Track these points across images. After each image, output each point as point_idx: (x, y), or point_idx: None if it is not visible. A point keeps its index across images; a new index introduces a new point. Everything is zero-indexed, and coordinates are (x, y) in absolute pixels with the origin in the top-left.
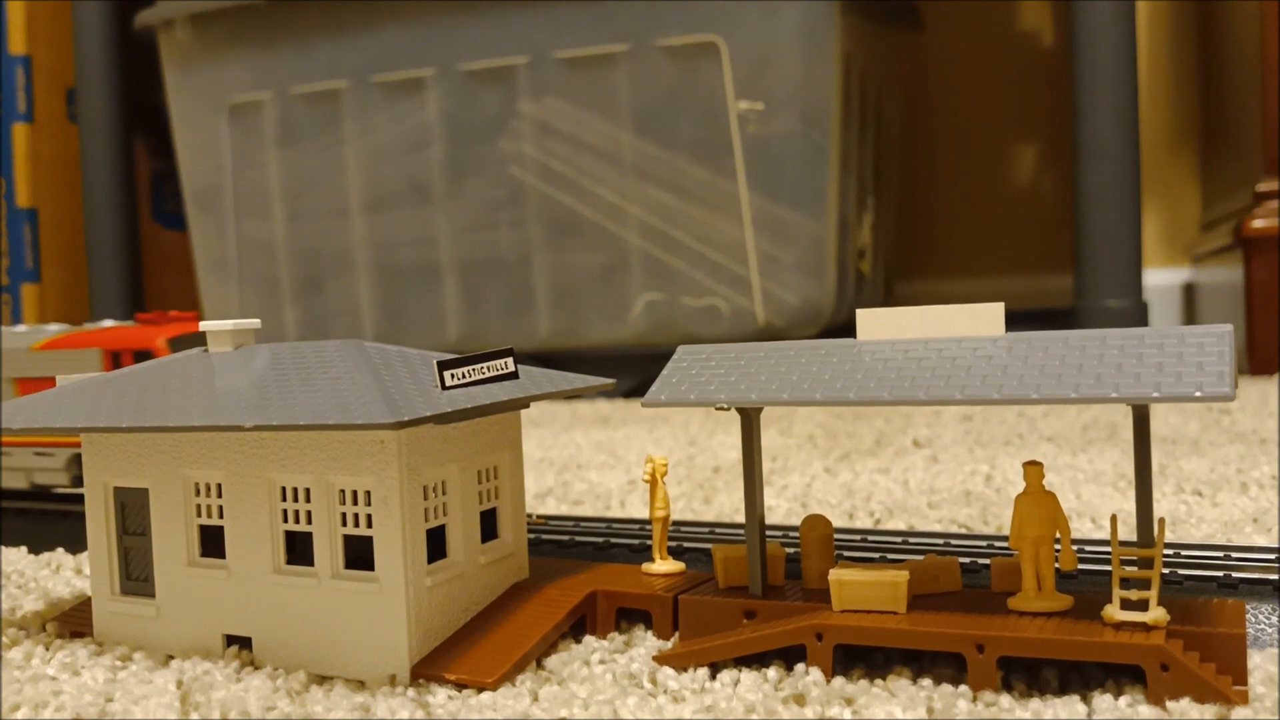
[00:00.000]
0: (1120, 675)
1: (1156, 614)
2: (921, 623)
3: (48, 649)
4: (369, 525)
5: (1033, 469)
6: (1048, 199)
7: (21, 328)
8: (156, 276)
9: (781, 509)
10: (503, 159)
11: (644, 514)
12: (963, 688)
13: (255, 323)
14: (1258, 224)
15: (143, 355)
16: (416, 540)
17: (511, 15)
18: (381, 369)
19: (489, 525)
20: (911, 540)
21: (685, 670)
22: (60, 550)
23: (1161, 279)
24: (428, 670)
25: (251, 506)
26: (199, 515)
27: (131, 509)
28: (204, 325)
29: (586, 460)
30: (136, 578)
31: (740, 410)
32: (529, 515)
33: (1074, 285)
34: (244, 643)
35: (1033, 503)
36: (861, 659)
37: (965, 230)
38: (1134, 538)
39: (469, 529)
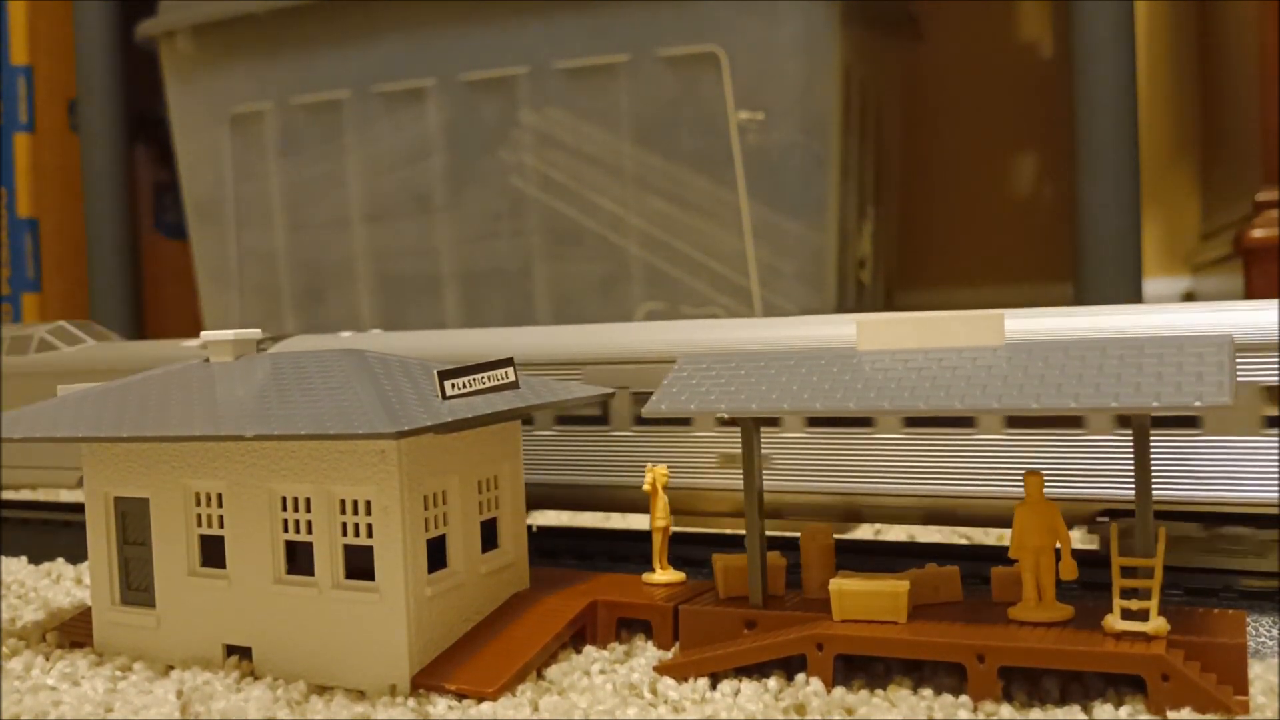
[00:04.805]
0: (1121, 685)
1: (1157, 624)
2: (922, 632)
3: (48, 659)
4: (369, 535)
5: (1033, 479)
6: (1047, 208)
7: None
8: (158, 286)
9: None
10: (503, 169)
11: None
12: (963, 698)
13: (256, 332)
14: (1257, 233)
15: None
16: (417, 550)
17: (512, 26)
18: (382, 378)
19: (489, 535)
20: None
21: (686, 680)
22: (60, 560)
23: (1161, 288)
24: (428, 680)
25: (252, 516)
26: (199, 525)
27: (132, 519)
28: (205, 335)
29: None
30: (137, 588)
31: (740, 419)
32: None
33: (1074, 294)
34: (244, 653)
35: (1033, 513)
36: (862, 669)
37: (965, 239)
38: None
39: (469, 539)
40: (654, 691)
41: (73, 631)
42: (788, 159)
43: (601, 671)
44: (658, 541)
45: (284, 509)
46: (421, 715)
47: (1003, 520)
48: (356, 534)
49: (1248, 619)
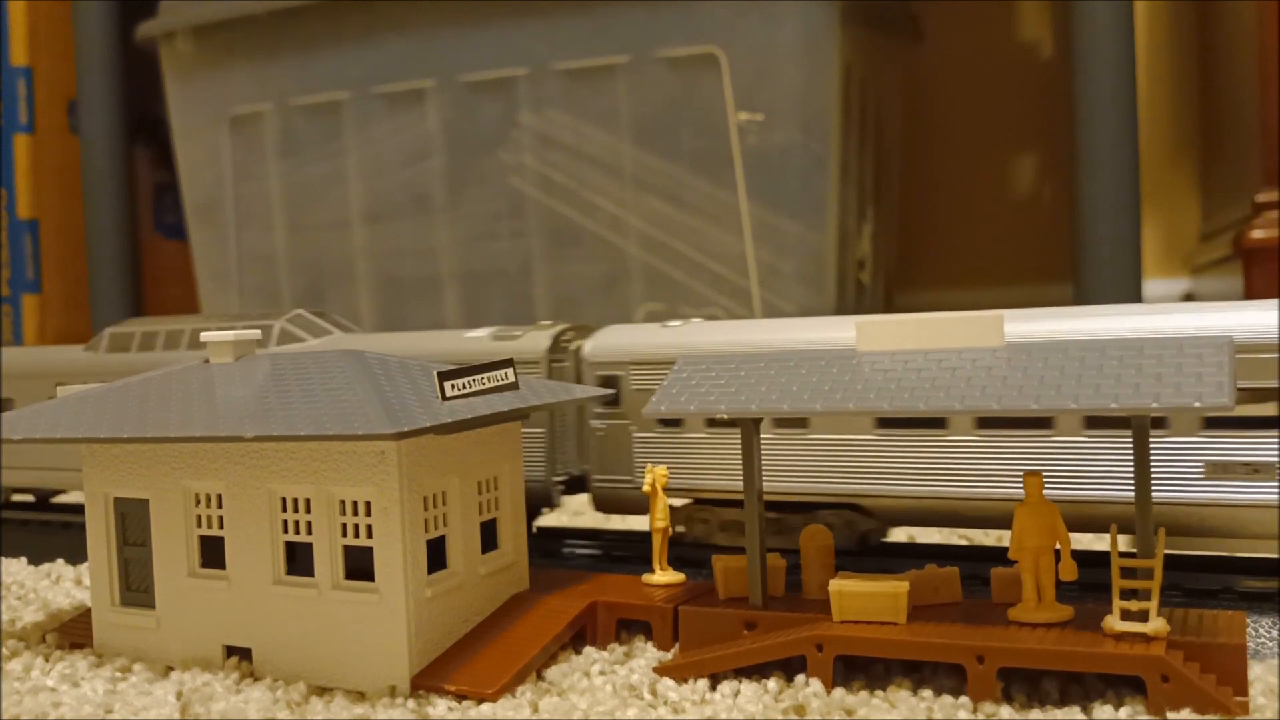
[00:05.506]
0: (1121, 686)
1: (1157, 625)
2: (922, 633)
3: (47, 660)
4: (369, 536)
5: (1032, 480)
6: (1047, 209)
7: None
8: (158, 287)
9: None
10: (503, 170)
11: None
12: (963, 699)
13: (256, 334)
14: (1257, 235)
15: None
16: (417, 551)
17: (512, 27)
18: (382, 379)
19: (489, 536)
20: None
21: (685, 681)
22: (60, 561)
23: (1161, 289)
24: (428, 681)
25: (252, 517)
26: (199, 526)
27: (132, 520)
28: (204, 336)
29: None
30: (137, 589)
31: (740, 420)
32: None
33: (1073, 295)
34: (244, 654)
35: (1032, 514)
36: (862, 670)
37: (965, 240)
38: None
39: (469, 540)
40: (654, 692)
41: (72, 632)
42: (787, 159)
43: (601, 672)
44: (657, 543)
45: (284, 510)
46: (421, 716)
47: None
48: (356, 535)
49: (1248, 619)
